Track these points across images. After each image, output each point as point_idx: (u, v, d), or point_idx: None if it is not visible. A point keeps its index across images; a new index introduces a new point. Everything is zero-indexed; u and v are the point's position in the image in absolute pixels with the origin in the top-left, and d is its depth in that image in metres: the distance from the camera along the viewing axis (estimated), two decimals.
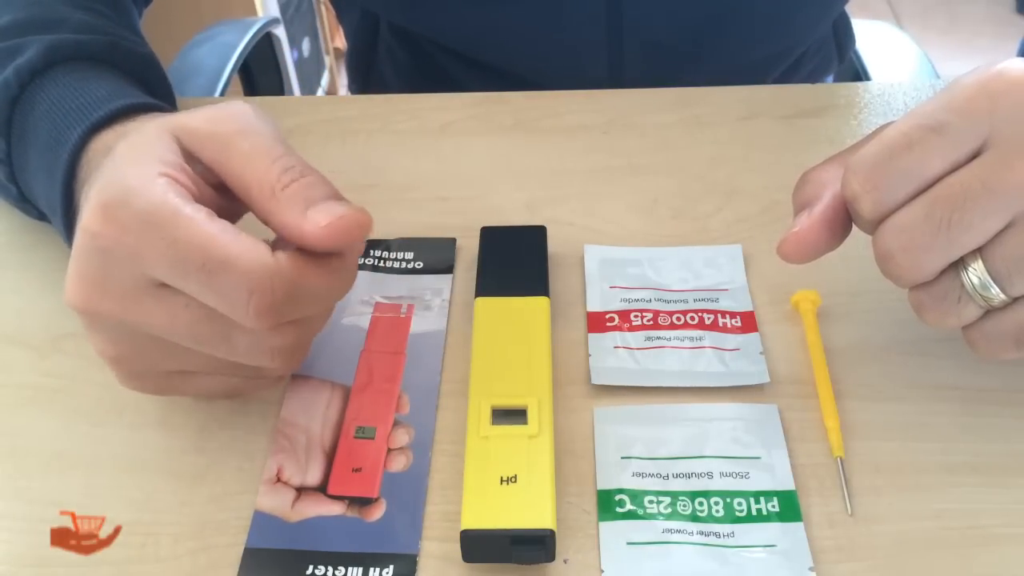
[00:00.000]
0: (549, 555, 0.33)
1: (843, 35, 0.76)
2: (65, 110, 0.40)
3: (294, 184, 0.32)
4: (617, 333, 0.42)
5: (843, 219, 0.35)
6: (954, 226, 0.31)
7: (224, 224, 0.31)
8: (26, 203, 0.44)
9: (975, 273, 0.32)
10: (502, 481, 0.35)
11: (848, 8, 0.74)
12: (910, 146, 0.31)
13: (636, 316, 0.43)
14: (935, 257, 0.32)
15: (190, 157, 0.33)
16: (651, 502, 0.36)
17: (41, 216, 0.44)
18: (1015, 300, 0.32)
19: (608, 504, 0.36)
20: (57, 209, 0.39)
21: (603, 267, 0.45)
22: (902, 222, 0.32)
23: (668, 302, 0.43)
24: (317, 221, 0.32)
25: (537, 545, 0.33)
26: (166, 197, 0.31)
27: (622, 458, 0.37)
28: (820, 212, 0.35)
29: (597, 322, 0.43)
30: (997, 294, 0.32)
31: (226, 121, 0.34)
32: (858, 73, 0.82)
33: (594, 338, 0.42)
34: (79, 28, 0.45)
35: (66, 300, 0.33)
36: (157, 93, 0.46)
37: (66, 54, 0.43)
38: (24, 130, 0.41)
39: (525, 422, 0.37)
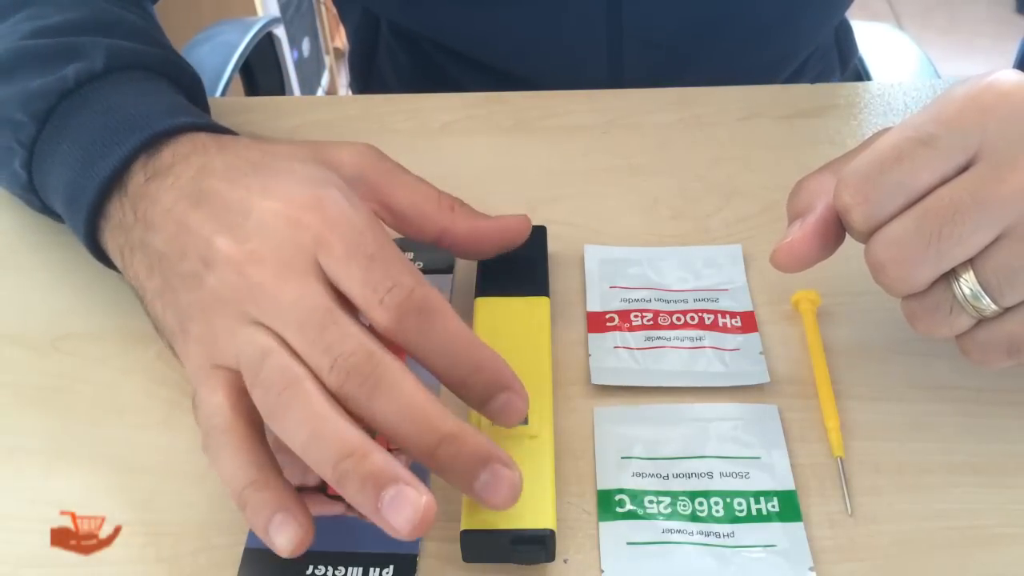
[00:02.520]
0: (549, 555, 0.33)
1: (845, 45, 0.76)
2: (122, 117, 0.40)
3: (464, 205, 0.41)
4: (617, 333, 0.42)
5: (836, 229, 0.35)
6: (944, 239, 0.31)
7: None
8: (32, 193, 0.44)
9: (966, 284, 0.32)
10: None
11: (850, 14, 0.74)
12: (900, 159, 0.32)
13: (636, 316, 0.43)
14: (926, 269, 0.32)
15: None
16: (651, 502, 0.36)
17: (43, 208, 0.44)
18: (1007, 310, 0.32)
19: (608, 504, 0.36)
20: (84, 206, 0.39)
21: (603, 267, 0.45)
22: (893, 235, 0.32)
23: (668, 302, 0.43)
24: (502, 220, 0.41)
25: (537, 545, 0.33)
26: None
27: (622, 458, 0.38)
28: (813, 222, 0.35)
29: (597, 322, 0.43)
30: (988, 305, 0.32)
31: (378, 157, 0.40)
32: (860, 77, 0.82)
33: (594, 338, 0.42)
34: (134, 34, 0.45)
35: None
36: (203, 108, 0.47)
37: (125, 61, 0.43)
38: (65, 123, 0.41)
39: (525, 422, 0.36)
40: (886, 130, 0.34)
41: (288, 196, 0.35)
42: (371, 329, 0.34)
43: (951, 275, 0.32)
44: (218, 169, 0.37)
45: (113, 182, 0.39)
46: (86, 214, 0.39)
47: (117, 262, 0.39)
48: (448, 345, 0.33)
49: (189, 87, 0.46)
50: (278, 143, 0.40)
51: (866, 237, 0.33)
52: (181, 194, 0.37)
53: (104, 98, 0.41)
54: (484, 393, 0.34)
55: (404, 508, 0.30)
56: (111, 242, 0.39)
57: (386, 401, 0.31)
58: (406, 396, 0.32)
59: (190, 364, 0.35)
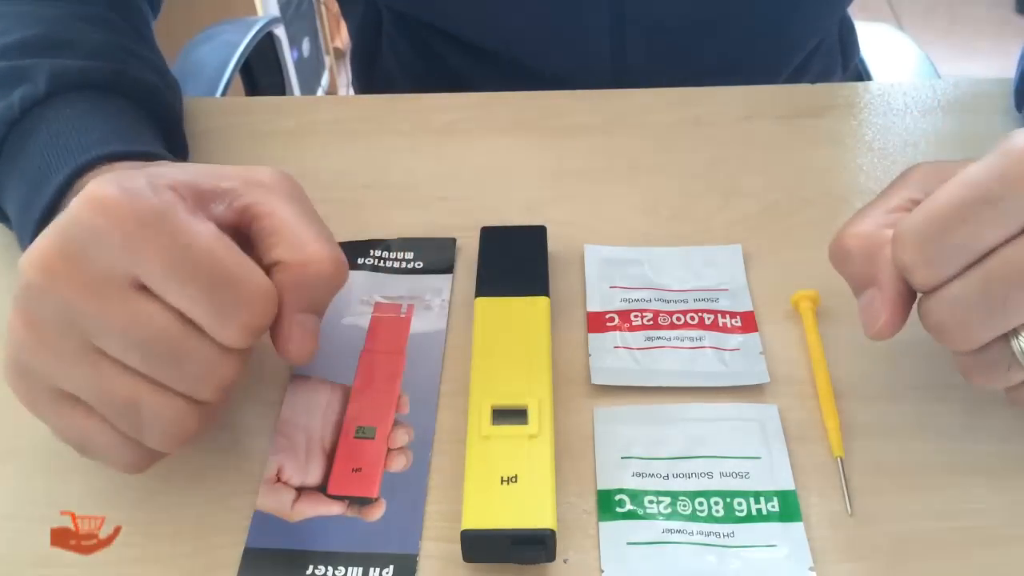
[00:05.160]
0: (549, 555, 0.33)
1: (848, 44, 0.76)
2: (59, 147, 0.40)
3: (313, 326, 0.36)
4: (617, 333, 0.42)
5: (909, 291, 0.34)
6: (1011, 302, 0.31)
7: (231, 242, 0.32)
8: (6, 220, 0.44)
9: None
10: (502, 481, 0.35)
11: (850, 14, 0.74)
12: (964, 220, 0.30)
13: (636, 316, 0.43)
14: (989, 332, 0.32)
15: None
16: (651, 502, 0.36)
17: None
18: None
19: (608, 504, 0.36)
20: (27, 241, 0.39)
21: (603, 267, 0.45)
22: (957, 296, 0.31)
23: (668, 302, 0.43)
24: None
25: (538, 545, 0.33)
26: (180, 205, 0.32)
27: (622, 458, 0.37)
28: (891, 299, 0.34)
29: (597, 322, 0.43)
30: None
31: (288, 182, 0.36)
32: (861, 77, 0.82)
33: (594, 338, 0.42)
34: (89, 52, 0.45)
35: (25, 262, 0.31)
36: (163, 120, 0.47)
37: (70, 82, 0.43)
38: (15, 154, 0.41)
39: (525, 422, 0.37)
40: (921, 166, 0.33)
41: (96, 192, 0.32)
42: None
43: (1011, 332, 0.32)
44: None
45: (49, 217, 0.38)
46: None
47: None
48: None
49: (145, 100, 0.46)
50: (189, 164, 0.37)
51: (926, 290, 0.33)
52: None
53: (46, 127, 0.41)
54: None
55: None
56: None
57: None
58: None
59: None
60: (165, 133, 0.47)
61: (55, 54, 0.44)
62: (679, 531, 0.35)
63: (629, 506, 0.36)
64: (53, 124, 0.41)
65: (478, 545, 0.33)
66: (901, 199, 0.36)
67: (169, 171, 0.34)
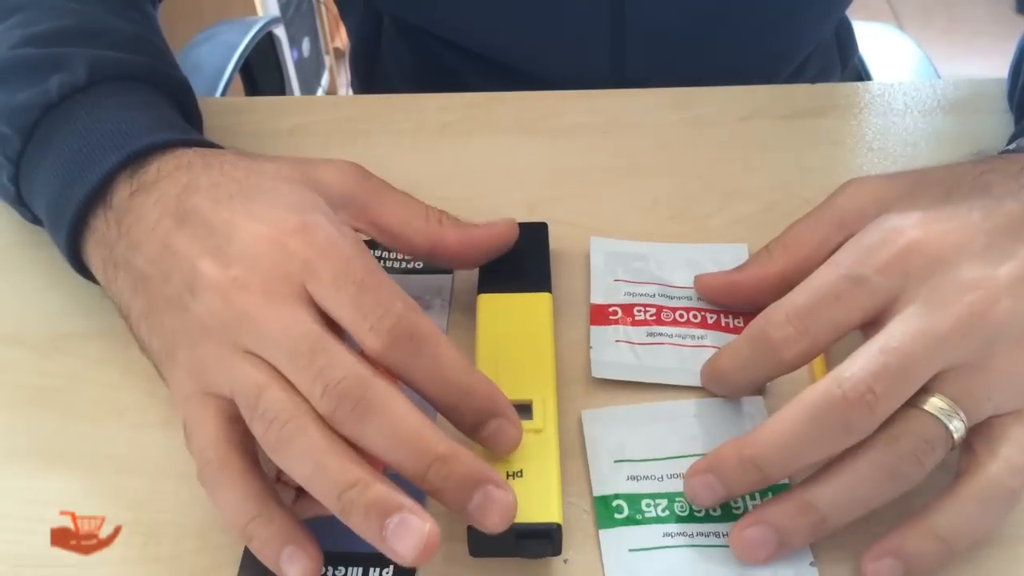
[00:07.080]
0: (556, 548, 0.33)
1: (846, 42, 0.76)
2: (106, 132, 0.40)
3: (450, 217, 0.41)
4: (620, 326, 0.42)
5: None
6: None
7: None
8: (23, 206, 0.44)
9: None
10: (508, 476, 0.35)
11: (850, 14, 0.74)
12: (838, 297, 0.35)
13: (639, 311, 0.43)
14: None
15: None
16: (648, 505, 0.36)
17: (36, 220, 0.44)
18: None
19: (606, 511, 0.36)
20: (66, 221, 0.39)
21: (608, 260, 0.45)
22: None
23: (672, 298, 0.43)
24: (492, 227, 0.41)
25: (544, 539, 0.33)
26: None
27: (615, 462, 0.37)
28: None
29: (600, 314, 0.43)
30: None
31: (363, 175, 0.40)
32: (860, 77, 0.82)
33: (596, 330, 0.42)
34: (122, 44, 0.45)
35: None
36: (190, 118, 0.47)
37: (108, 73, 0.43)
38: (49, 138, 0.41)
39: (530, 417, 0.37)
40: (852, 192, 0.38)
41: (273, 220, 0.35)
42: (363, 355, 0.34)
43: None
44: (203, 187, 0.37)
45: (95, 198, 0.39)
46: (67, 231, 0.39)
47: (100, 277, 0.39)
48: (438, 371, 0.33)
49: (177, 94, 0.46)
50: (263, 160, 0.39)
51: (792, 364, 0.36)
52: (165, 212, 0.37)
53: (86, 113, 0.41)
54: (475, 419, 0.34)
55: (408, 535, 0.30)
56: (94, 257, 0.39)
57: (376, 425, 0.31)
58: (396, 419, 0.32)
59: (178, 391, 0.35)
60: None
61: (89, 44, 0.43)
62: (679, 534, 0.35)
63: (627, 511, 0.36)
64: (94, 111, 0.41)
65: (484, 539, 0.33)
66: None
67: (313, 196, 0.38)
